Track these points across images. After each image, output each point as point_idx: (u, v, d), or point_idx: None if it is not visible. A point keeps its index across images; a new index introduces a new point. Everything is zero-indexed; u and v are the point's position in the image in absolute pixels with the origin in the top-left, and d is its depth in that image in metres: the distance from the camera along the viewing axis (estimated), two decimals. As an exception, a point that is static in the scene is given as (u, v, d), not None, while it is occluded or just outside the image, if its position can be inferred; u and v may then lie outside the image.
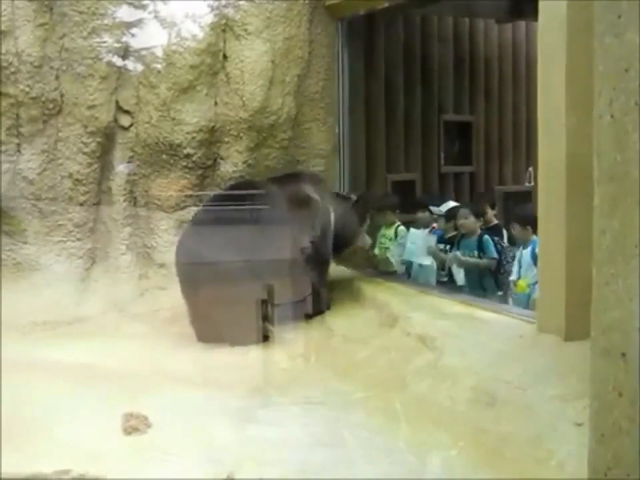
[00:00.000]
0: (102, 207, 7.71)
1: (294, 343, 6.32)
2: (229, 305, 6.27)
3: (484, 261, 7.01)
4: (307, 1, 7.89)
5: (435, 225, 7.95)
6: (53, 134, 7.47)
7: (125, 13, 7.54)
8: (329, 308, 7.00)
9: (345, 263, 7.99)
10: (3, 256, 7.36)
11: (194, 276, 6.51)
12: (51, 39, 7.33)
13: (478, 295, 6.67)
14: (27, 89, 7.24)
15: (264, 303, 6.45)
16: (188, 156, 7.63)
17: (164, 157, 7.64)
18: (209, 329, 6.39)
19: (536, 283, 6.06)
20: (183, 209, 7.77)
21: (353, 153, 8.16)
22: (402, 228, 7.96)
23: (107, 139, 7.61)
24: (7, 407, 4.29)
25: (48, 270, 7.43)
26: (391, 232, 7.97)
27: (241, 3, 7.64)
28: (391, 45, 9.09)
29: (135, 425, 4.43)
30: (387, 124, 9.06)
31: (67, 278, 7.44)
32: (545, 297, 5.06)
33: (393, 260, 7.97)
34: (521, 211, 7.01)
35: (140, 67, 7.61)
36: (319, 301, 6.92)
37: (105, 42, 7.43)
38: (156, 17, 7.58)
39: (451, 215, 7.59)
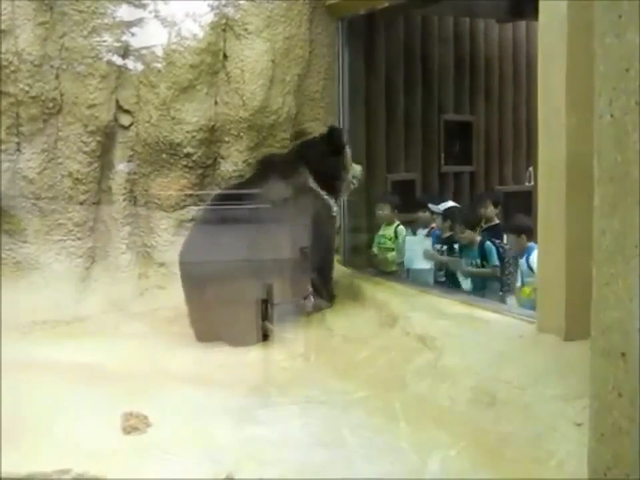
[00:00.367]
0: (102, 206, 7.70)
1: (294, 342, 6.33)
2: (228, 305, 6.27)
3: (487, 270, 7.04)
4: (307, 1, 7.89)
5: (433, 224, 7.96)
6: (52, 133, 7.46)
7: (125, 12, 7.54)
8: (330, 305, 6.99)
9: (345, 262, 8.00)
10: (3, 255, 7.35)
11: (196, 275, 6.50)
12: (51, 38, 7.33)
13: (484, 298, 6.67)
14: (27, 88, 7.24)
15: (264, 302, 6.46)
16: (188, 155, 7.63)
17: (164, 156, 7.63)
18: (208, 329, 6.39)
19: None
20: (182, 208, 7.77)
21: (353, 153, 8.13)
22: (401, 227, 7.96)
23: (107, 138, 7.61)
24: (7, 406, 4.29)
25: (48, 269, 7.43)
26: (390, 231, 7.97)
27: (241, 2, 7.64)
28: (391, 44, 9.08)
29: (134, 424, 4.43)
30: (387, 123, 9.05)
31: (66, 277, 7.43)
32: (545, 296, 5.06)
33: (393, 260, 7.98)
34: (514, 221, 7.06)
35: (140, 66, 7.60)
36: (320, 297, 6.92)
37: (105, 41, 7.43)
38: (156, 16, 7.58)
39: (447, 214, 7.60)
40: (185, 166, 7.67)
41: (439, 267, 7.64)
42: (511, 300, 6.82)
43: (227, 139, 7.72)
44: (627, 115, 2.04)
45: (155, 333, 6.73)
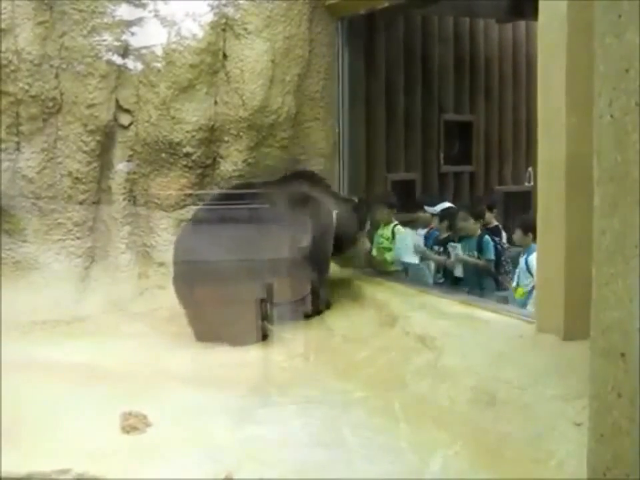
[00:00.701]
0: (101, 206, 7.70)
1: (293, 342, 6.33)
2: (227, 304, 6.27)
3: (481, 262, 7.03)
4: (307, 1, 7.88)
5: (433, 225, 7.96)
6: (52, 132, 7.46)
7: (124, 12, 7.54)
8: (329, 307, 7.00)
9: (345, 262, 8.00)
10: (3, 254, 7.35)
11: (192, 275, 6.50)
12: (51, 37, 7.33)
13: (476, 293, 6.69)
14: (27, 87, 7.24)
15: (263, 302, 6.46)
16: (187, 155, 7.63)
17: (163, 155, 7.63)
18: (208, 329, 6.39)
19: (531, 290, 6.11)
20: (182, 207, 7.76)
21: (352, 153, 8.15)
22: (399, 227, 7.95)
23: (106, 138, 7.61)
24: (7, 406, 4.29)
25: (47, 268, 7.43)
26: (388, 231, 7.97)
27: (241, 2, 7.63)
28: (391, 44, 9.08)
29: (133, 423, 4.43)
30: (387, 123, 9.06)
31: (66, 277, 7.43)
32: (545, 296, 5.06)
33: (391, 260, 7.98)
34: (524, 217, 7.03)
35: (140, 66, 7.60)
36: (318, 300, 6.93)
37: (104, 40, 7.43)
38: (156, 15, 7.58)
39: (444, 215, 7.60)
40: (185, 165, 7.66)
41: (437, 268, 7.64)
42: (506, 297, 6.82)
43: (226, 138, 7.72)
44: (627, 115, 2.04)
45: (154, 332, 6.73)
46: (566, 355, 4.49)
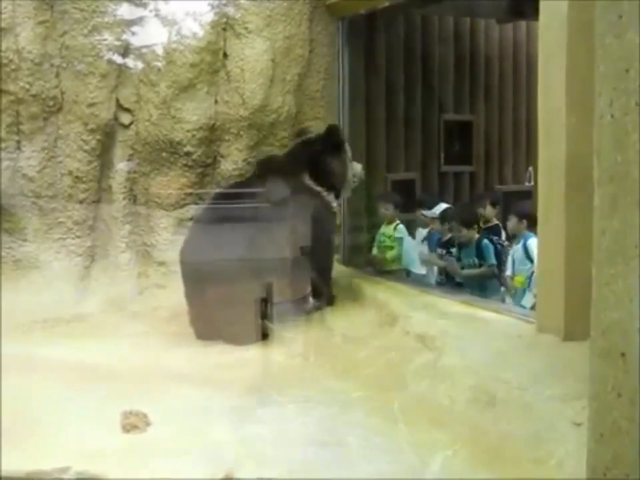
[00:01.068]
0: (102, 205, 7.70)
1: (293, 341, 6.32)
2: (228, 303, 6.27)
3: (484, 270, 7.02)
4: (307, 0, 7.89)
5: (433, 226, 7.96)
6: (53, 131, 7.46)
7: (125, 11, 7.54)
8: (332, 303, 6.98)
9: (344, 262, 8.00)
10: (3, 253, 7.35)
11: (197, 274, 6.50)
12: (52, 37, 7.33)
13: (481, 296, 6.68)
14: (27, 87, 7.24)
15: (263, 301, 6.46)
16: (188, 154, 7.63)
17: (164, 155, 7.63)
18: (208, 327, 6.39)
19: (531, 275, 6.10)
20: (182, 207, 7.76)
21: (352, 152, 8.12)
22: (401, 226, 7.96)
23: (107, 137, 7.61)
24: (6, 405, 4.29)
25: (47, 268, 7.43)
26: (390, 230, 7.97)
27: (241, 1, 7.63)
28: (391, 44, 9.09)
29: (134, 422, 4.42)
30: (387, 123, 9.06)
31: (66, 276, 7.43)
32: (545, 297, 5.06)
33: (392, 259, 7.98)
34: (519, 205, 7.04)
35: (140, 65, 7.60)
36: (320, 296, 6.92)
37: (105, 40, 7.42)
38: (156, 15, 7.58)
39: (444, 217, 7.58)
40: (185, 165, 7.67)
41: (439, 270, 7.65)
42: (505, 294, 6.82)
43: (227, 137, 7.72)
44: (627, 115, 2.04)
45: (154, 331, 6.73)
46: (566, 355, 4.49)
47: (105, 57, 7.45)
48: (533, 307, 5.69)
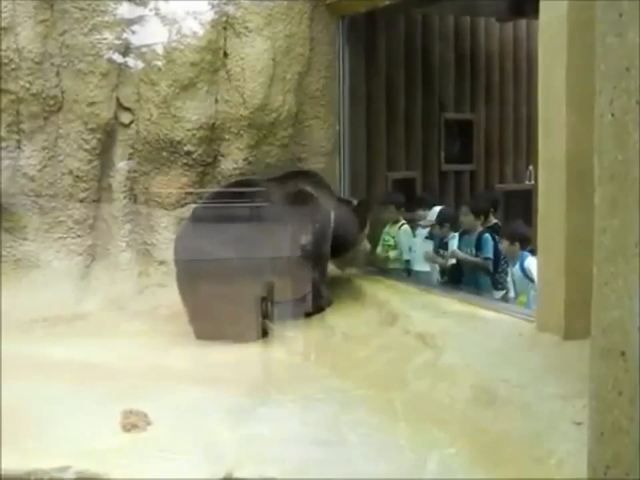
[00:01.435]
0: (102, 204, 7.71)
1: (293, 340, 6.33)
2: (228, 303, 6.28)
3: (479, 260, 7.01)
4: (307, -1, 7.90)
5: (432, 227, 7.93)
6: (53, 131, 7.47)
7: (125, 10, 7.54)
8: (329, 305, 6.99)
9: (346, 261, 8.00)
10: (3, 252, 7.36)
11: (193, 273, 6.50)
12: (52, 36, 7.33)
13: (473, 291, 6.68)
14: (28, 86, 7.24)
15: (263, 300, 6.46)
16: (188, 153, 7.63)
17: (164, 154, 7.64)
18: (208, 327, 6.39)
19: (531, 294, 6.11)
20: (182, 206, 7.77)
21: (353, 151, 8.15)
22: (406, 227, 7.96)
23: (107, 136, 7.61)
24: (7, 404, 4.29)
25: (48, 266, 7.43)
26: (394, 230, 7.97)
27: (241, 0, 7.64)
28: (391, 43, 9.08)
29: (134, 422, 4.42)
30: (388, 122, 9.05)
31: (66, 275, 7.43)
32: (545, 296, 5.06)
33: (393, 258, 7.98)
34: (510, 228, 7.01)
35: (140, 64, 7.60)
36: (318, 298, 6.92)
37: (105, 39, 7.43)
38: (157, 14, 7.58)
39: (442, 219, 7.56)
40: (185, 164, 7.67)
41: (441, 270, 7.64)
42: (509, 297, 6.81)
43: (227, 136, 7.72)
44: (628, 114, 2.04)
45: (154, 330, 6.74)
46: (566, 354, 4.49)
47: (105, 56, 7.45)
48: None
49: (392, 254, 7.99)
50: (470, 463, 3.80)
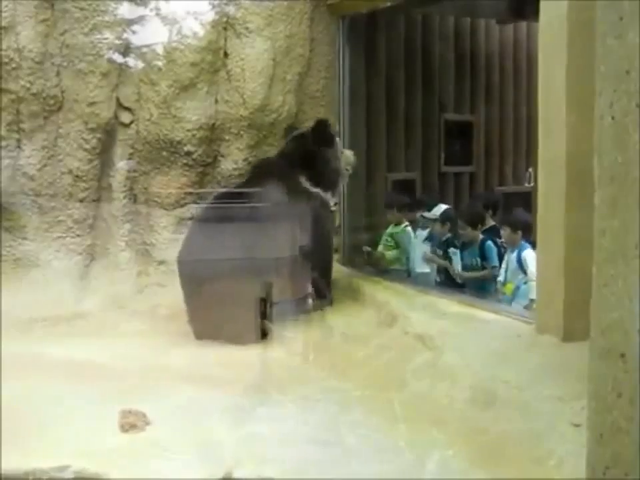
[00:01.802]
0: (102, 204, 7.71)
1: (293, 340, 6.32)
2: (227, 303, 6.27)
3: (486, 272, 7.00)
4: (308, -1, 7.90)
5: (432, 226, 7.95)
6: (53, 130, 7.46)
7: (126, 10, 7.54)
8: (331, 304, 6.99)
9: (344, 262, 8.00)
10: (3, 252, 7.35)
11: (195, 273, 6.50)
12: (52, 35, 7.33)
13: (481, 297, 6.66)
14: (28, 85, 7.24)
15: (263, 300, 6.46)
16: (188, 153, 7.63)
17: (164, 154, 7.64)
18: (207, 327, 6.39)
19: (522, 285, 6.10)
20: (182, 206, 7.77)
21: (354, 151, 8.11)
22: (409, 228, 7.98)
23: (107, 136, 7.61)
24: (6, 403, 4.29)
25: (47, 266, 7.43)
26: (397, 231, 7.99)
27: (242, 0, 7.64)
28: (392, 43, 9.08)
29: (132, 421, 4.42)
30: (388, 123, 9.06)
31: (66, 274, 7.43)
32: (544, 297, 5.06)
33: (393, 259, 7.99)
34: (513, 215, 6.99)
35: (141, 64, 7.60)
36: (322, 296, 6.92)
37: (106, 39, 7.42)
38: (157, 14, 7.58)
39: (444, 218, 7.57)
40: (185, 164, 7.67)
41: (439, 270, 7.65)
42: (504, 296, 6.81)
43: (227, 137, 7.73)
44: (628, 116, 2.05)
45: (154, 330, 6.74)
46: (565, 356, 4.49)
47: (105, 55, 7.45)
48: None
49: (390, 255, 8.00)
50: (469, 464, 3.80)
